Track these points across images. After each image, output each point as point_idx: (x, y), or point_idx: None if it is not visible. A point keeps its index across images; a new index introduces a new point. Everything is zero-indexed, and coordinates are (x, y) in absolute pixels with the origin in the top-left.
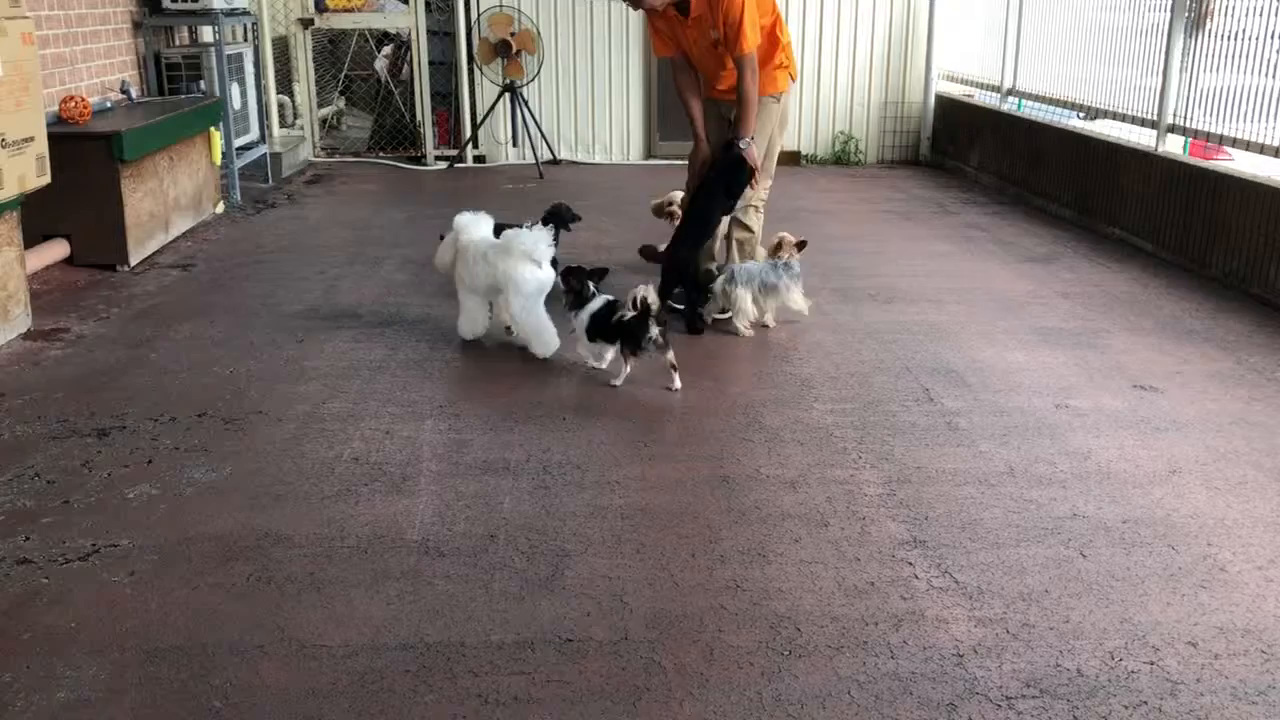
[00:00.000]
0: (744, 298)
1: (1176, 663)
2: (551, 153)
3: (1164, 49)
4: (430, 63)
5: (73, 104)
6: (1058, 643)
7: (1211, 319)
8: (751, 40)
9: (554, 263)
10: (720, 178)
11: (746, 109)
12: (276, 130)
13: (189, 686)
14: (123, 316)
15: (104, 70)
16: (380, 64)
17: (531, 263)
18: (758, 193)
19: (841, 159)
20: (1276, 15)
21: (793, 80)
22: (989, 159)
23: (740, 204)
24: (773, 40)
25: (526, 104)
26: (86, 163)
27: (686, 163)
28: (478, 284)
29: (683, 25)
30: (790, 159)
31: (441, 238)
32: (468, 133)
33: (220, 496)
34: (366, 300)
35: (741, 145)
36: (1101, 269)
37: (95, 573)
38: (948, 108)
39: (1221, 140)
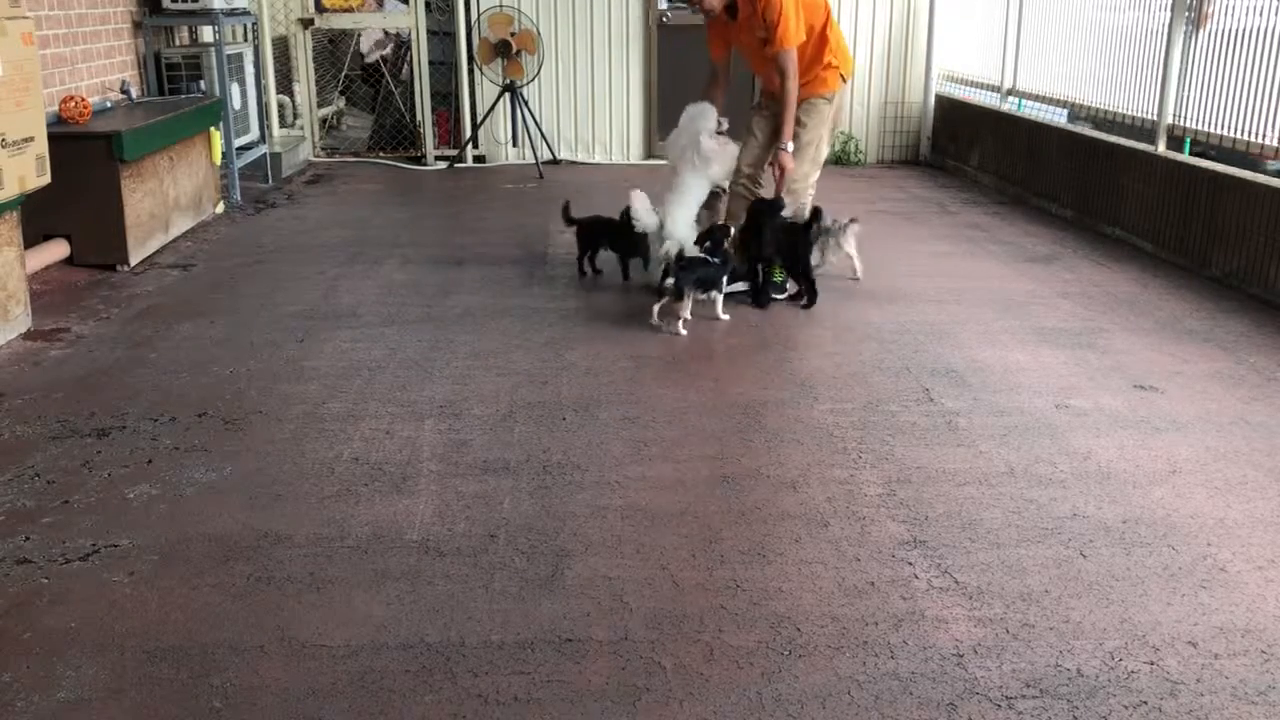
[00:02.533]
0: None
1: (1176, 663)
2: (551, 153)
3: (1164, 49)
4: (430, 63)
5: (73, 104)
6: (1058, 643)
7: (1211, 319)
8: (791, 35)
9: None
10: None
11: (785, 112)
12: (276, 130)
13: (189, 686)
14: (123, 316)
15: (104, 70)
16: (371, 51)
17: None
18: (806, 184)
19: (841, 159)
20: (1276, 15)
21: (844, 81)
22: (989, 159)
23: (788, 199)
24: (823, 39)
25: (526, 104)
26: (86, 163)
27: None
28: None
29: (734, 28)
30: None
31: None
32: (468, 133)
33: (220, 496)
34: (366, 300)
35: (786, 148)
36: (1101, 269)
37: (95, 573)
38: (948, 108)
39: (1221, 140)
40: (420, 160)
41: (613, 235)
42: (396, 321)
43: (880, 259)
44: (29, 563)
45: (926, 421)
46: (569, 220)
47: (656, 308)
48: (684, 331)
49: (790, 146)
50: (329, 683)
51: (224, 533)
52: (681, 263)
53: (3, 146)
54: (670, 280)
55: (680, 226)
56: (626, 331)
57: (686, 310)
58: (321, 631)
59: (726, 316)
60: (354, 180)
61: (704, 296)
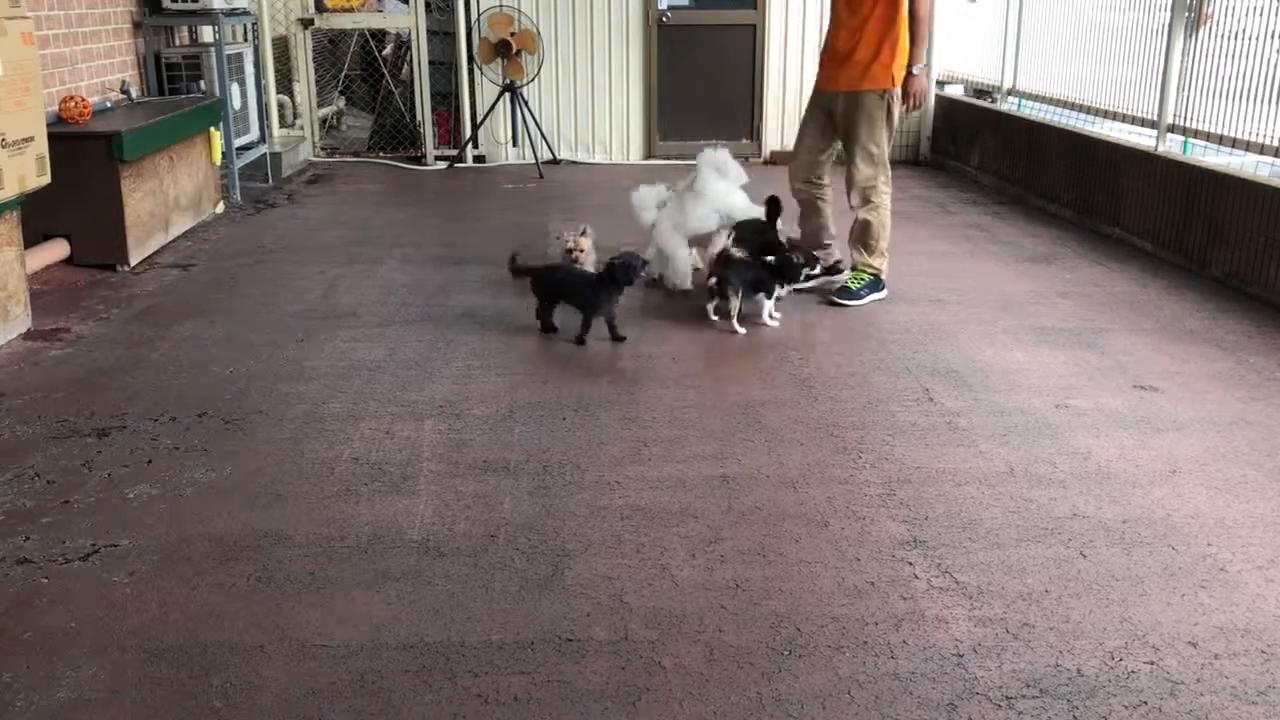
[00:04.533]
0: None
1: (1176, 663)
2: (551, 153)
3: (1164, 49)
4: (430, 63)
5: (73, 104)
6: (1058, 643)
7: (1211, 319)
8: None
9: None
10: None
11: (921, 30)
12: (276, 130)
13: (189, 686)
14: (123, 316)
15: (104, 70)
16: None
17: None
18: (880, 189)
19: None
20: (1276, 15)
21: (894, 83)
22: (989, 159)
23: (856, 199)
24: (896, 15)
25: (526, 104)
26: (86, 163)
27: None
28: None
29: None
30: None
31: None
32: (468, 133)
33: (220, 496)
34: (366, 300)
35: (914, 71)
36: (1101, 269)
37: (95, 573)
38: (948, 108)
39: (1221, 140)
40: (420, 160)
41: (565, 286)
42: (396, 321)
43: None
44: (29, 563)
45: (926, 421)
46: (517, 271)
47: (711, 306)
48: (741, 330)
49: (919, 69)
50: (329, 683)
51: (224, 533)
52: (730, 263)
53: (3, 146)
54: (716, 285)
55: (680, 247)
56: (626, 331)
57: (735, 311)
58: (321, 631)
59: (776, 320)
60: (354, 180)
61: (755, 297)
